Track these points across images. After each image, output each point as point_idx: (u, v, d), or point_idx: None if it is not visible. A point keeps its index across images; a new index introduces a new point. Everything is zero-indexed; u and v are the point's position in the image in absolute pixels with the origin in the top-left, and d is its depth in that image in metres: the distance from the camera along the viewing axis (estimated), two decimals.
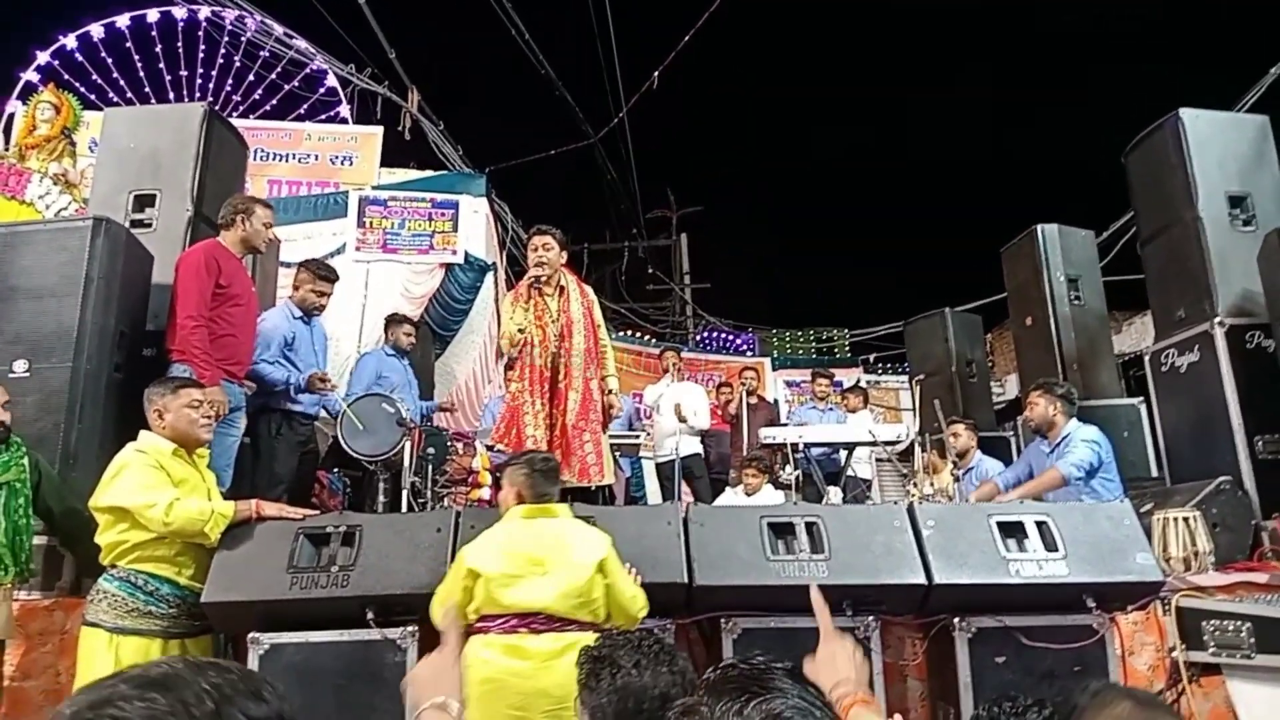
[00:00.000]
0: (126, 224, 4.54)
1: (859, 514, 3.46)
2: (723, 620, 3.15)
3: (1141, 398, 6.17)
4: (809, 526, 3.27)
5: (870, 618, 3.18)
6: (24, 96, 9.06)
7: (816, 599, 1.68)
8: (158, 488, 3.08)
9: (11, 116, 9.10)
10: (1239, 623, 2.98)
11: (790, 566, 3.17)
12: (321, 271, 5.07)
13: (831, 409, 8.02)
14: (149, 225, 4.67)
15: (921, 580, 3.15)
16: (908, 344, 9.02)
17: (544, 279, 4.53)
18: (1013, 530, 3.33)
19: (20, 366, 3.84)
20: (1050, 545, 3.25)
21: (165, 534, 3.05)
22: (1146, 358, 5.71)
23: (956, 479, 5.19)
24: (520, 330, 4.52)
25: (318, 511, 3.51)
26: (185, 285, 4.03)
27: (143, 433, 3.26)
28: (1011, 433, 7.62)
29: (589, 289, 4.85)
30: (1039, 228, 6.94)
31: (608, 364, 4.71)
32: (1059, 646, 3.15)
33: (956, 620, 3.19)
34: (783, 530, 3.29)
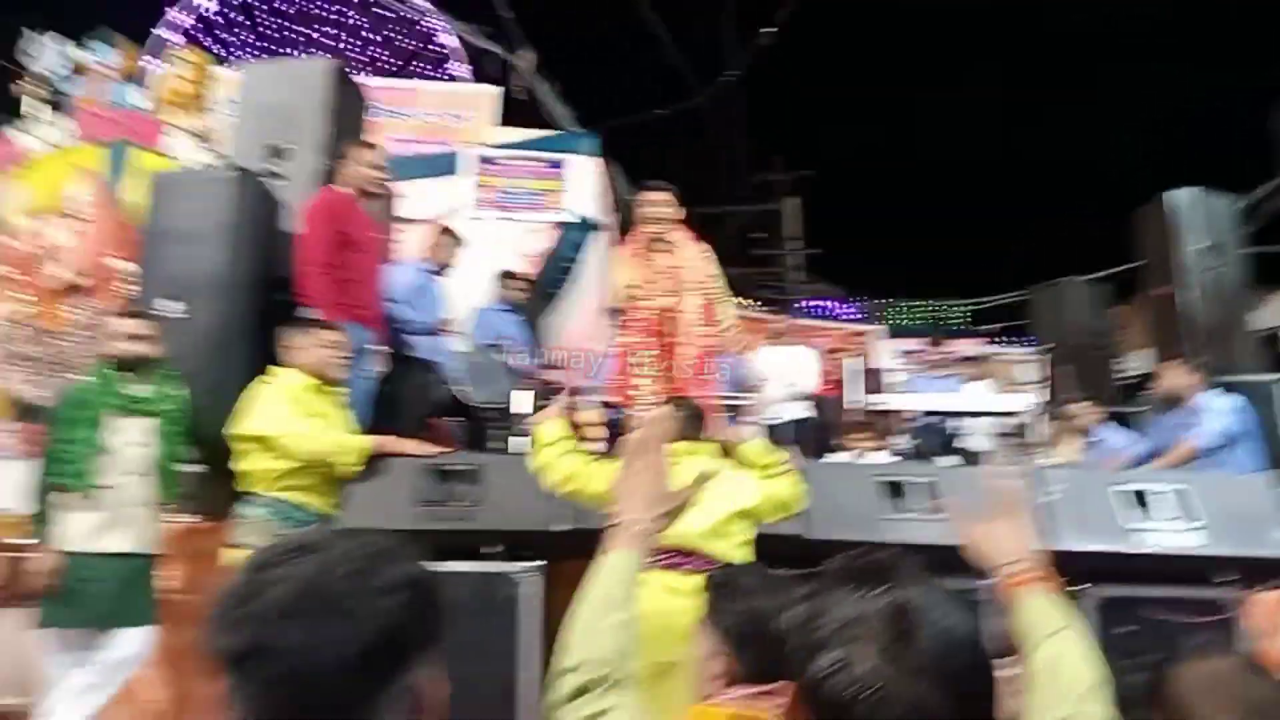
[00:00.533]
0: (265, 175, 4.78)
1: (977, 476, 3.38)
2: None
3: None
4: (929, 486, 3.23)
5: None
6: (154, 52, 9.56)
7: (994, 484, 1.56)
8: (296, 418, 3.26)
9: (143, 70, 9.58)
10: None
11: (904, 525, 3.13)
12: (457, 234, 5.47)
13: (949, 377, 7.80)
14: (284, 177, 4.89)
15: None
16: (1032, 313, 8.70)
17: (657, 235, 4.56)
18: (1141, 499, 3.20)
19: (175, 306, 4.09)
20: (1181, 514, 3.12)
21: (304, 461, 3.23)
22: None
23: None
24: (629, 286, 4.57)
25: (450, 449, 3.64)
26: (309, 233, 4.22)
27: (275, 369, 3.45)
28: (1138, 408, 7.29)
29: (705, 246, 4.85)
30: (1172, 193, 6.55)
31: (726, 309, 4.69)
32: (1183, 620, 3.03)
33: (1079, 588, 3.09)
34: (897, 489, 3.26)
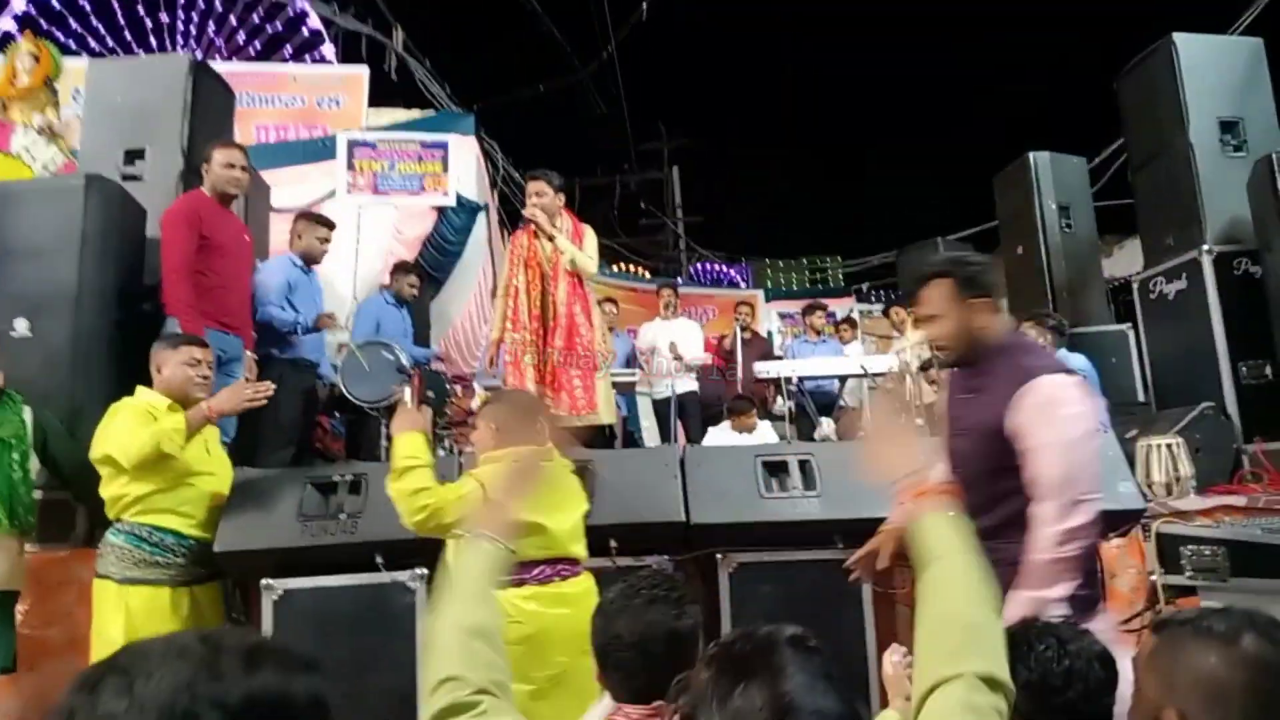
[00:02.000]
0: (118, 178, 4.55)
1: (851, 450, 3.56)
2: (719, 555, 3.27)
3: (1130, 324, 6.25)
4: (801, 464, 3.38)
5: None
6: (1, 46, 8.90)
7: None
8: (137, 429, 3.11)
9: None
10: (1214, 548, 3.11)
11: (784, 504, 3.28)
12: (322, 219, 5.09)
13: (824, 340, 8.10)
14: (140, 179, 4.66)
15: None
16: (900, 274, 9.06)
17: (538, 222, 4.58)
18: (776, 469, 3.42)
19: (22, 325, 3.89)
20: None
21: (135, 468, 3.06)
22: (1135, 285, 5.77)
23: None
24: (511, 273, 4.62)
25: (272, 387, 3.42)
26: (168, 240, 4.06)
27: (140, 388, 3.31)
28: None
29: (585, 228, 4.88)
30: (1031, 155, 6.92)
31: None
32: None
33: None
34: (777, 468, 3.40)
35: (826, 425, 6.57)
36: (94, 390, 3.89)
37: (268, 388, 3.38)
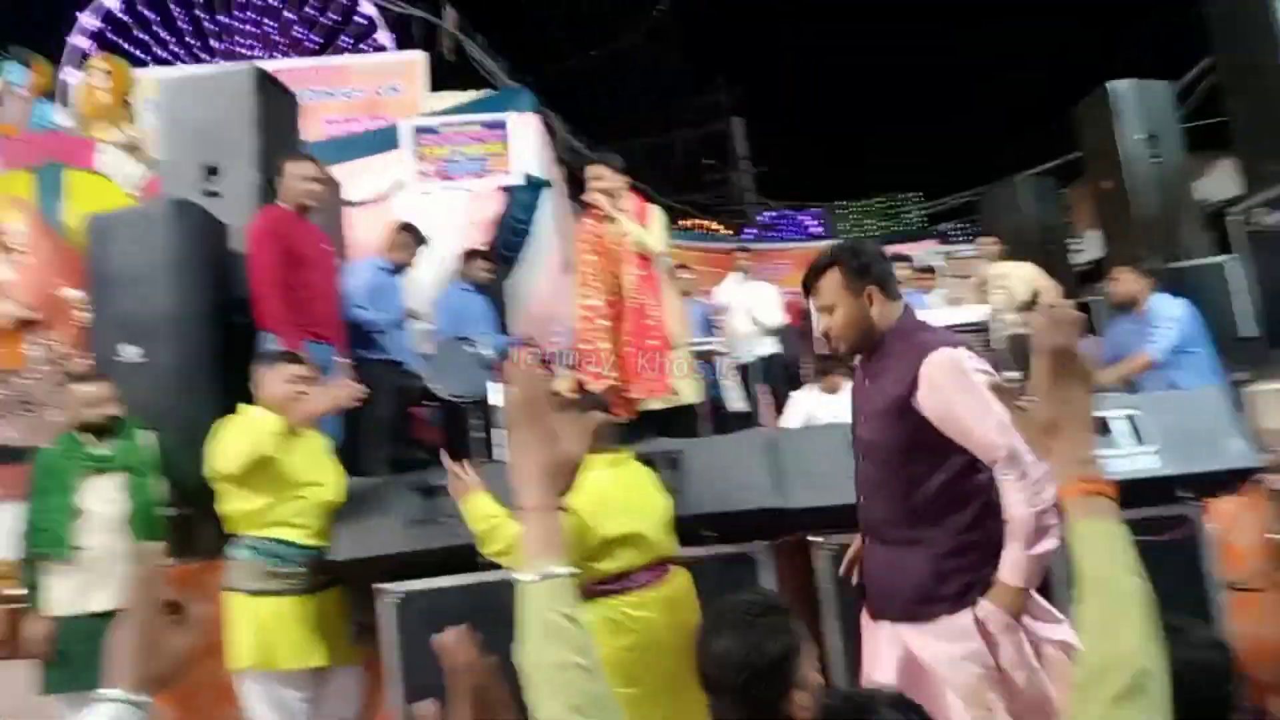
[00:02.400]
0: (197, 196, 4.70)
1: None
2: (814, 540, 3.26)
3: (1233, 254, 5.94)
4: None
5: None
6: (75, 63, 9.20)
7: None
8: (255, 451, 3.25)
9: (66, 84, 9.25)
10: None
11: None
12: (419, 237, 5.34)
13: (907, 294, 7.88)
14: (219, 195, 4.80)
15: None
16: (982, 216, 8.79)
17: (603, 207, 4.57)
18: (1099, 426, 3.32)
19: (132, 351, 4.07)
20: (1140, 439, 3.25)
21: (241, 476, 3.19)
22: (1234, 216, 5.49)
23: None
24: (582, 258, 4.63)
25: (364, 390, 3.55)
26: (255, 258, 4.20)
27: (244, 406, 3.46)
28: (1096, 297, 7.44)
29: (651, 208, 4.85)
30: (1111, 85, 6.59)
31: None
32: (1153, 539, 3.18)
33: None
34: None
35: None
36: (202, 408, 4.04)
37: (360, 389, 3.50)
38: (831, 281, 2.28)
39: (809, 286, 2.36)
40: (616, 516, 2.66)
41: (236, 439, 3.21)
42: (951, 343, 2.19)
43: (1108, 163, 6.73)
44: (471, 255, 6.45)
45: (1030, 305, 5.94)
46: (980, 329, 6.70)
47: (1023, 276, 6.69)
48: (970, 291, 7.00)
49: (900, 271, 7.87)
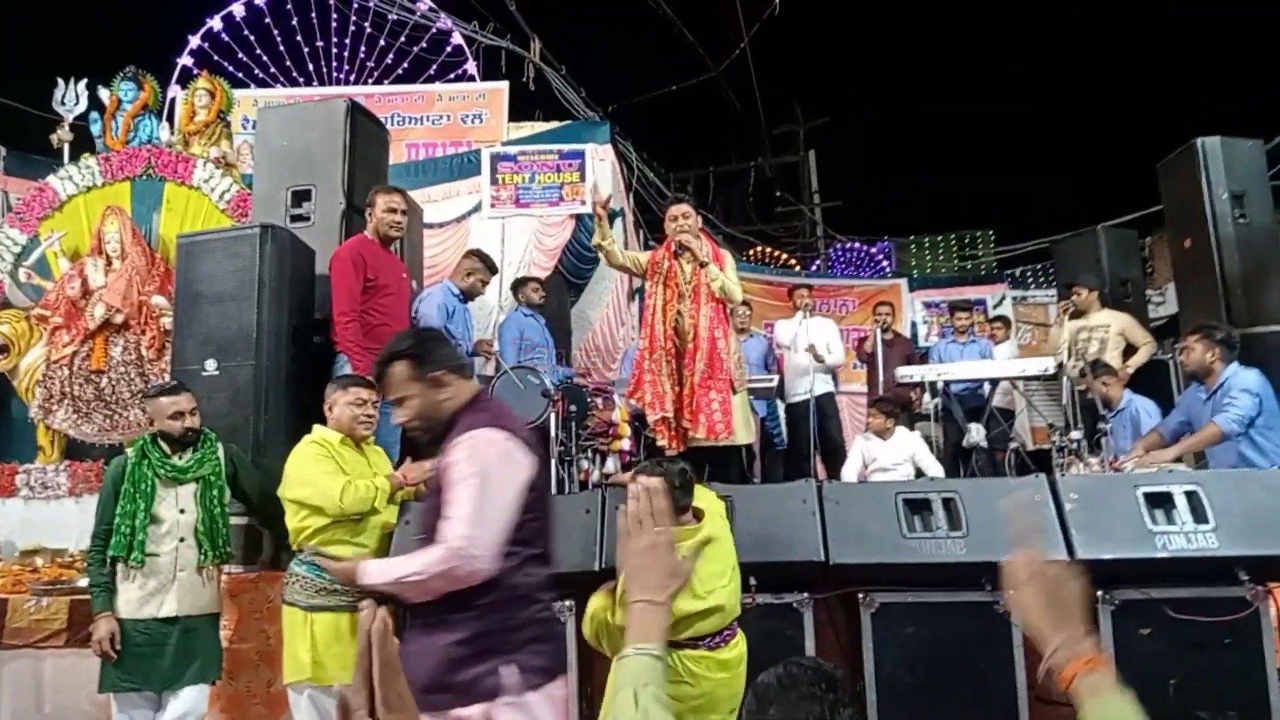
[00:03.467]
0: (287, 219, 4.94)
1: (997, 488, 3.48)
2: (860, 595, 3.27)
3: None
4: (946, 503, 3.33)
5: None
6: (182, 82, 9.70)
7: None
8: (331, 474, 3.45)
9: (173, 101, 9.74)
10: None
11: (927, 544, 3.24)
12: (491, 265, 5.58)
13: (974, 341, 7.79)
14: (307, 219, 5.03)
15: (1063, 555, 3.17)
16: (1057, 264, 8.63)
17: (677, 245, 4.66)
18: (1160, 501, 3.27)
19: (211, 365, 4.30)
20: (1200, 517, 3.19)
21: (340, 516, 3.43)
22: None
23: (1104, 426, 5.04)
24: (650, 294, 4.71)
25: None
26: (336, 283, 4.44)
27: (316, 425, 3.65)
28: (1170, 355, 7.24)
29: (725, 253, 4.93)
30: (1199, 141, 6.43)
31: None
32: (1209, 619, 3.12)
33: (1100, 593, 3.19)
34: (919, 506, 3.36)
35: (976, 431, 6.37)
36: (275, 424, 4.27)
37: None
38: (398, 374, 2.28)
39: (378, 379, 2.38)
40: (699, 593, 2.66)
41: (333, 476, 3.45)
42: (500, 426, 2.16)
43: (1191, 219, 6.56)
44: (519, 283, 6.69)
45: (1095, 366, 5.84)
46: (1052, 377, 6.65)
47: (1122, 328, 6.63)
48: (1050, 338, 6.91)
49: (962, 321, 7.86)
